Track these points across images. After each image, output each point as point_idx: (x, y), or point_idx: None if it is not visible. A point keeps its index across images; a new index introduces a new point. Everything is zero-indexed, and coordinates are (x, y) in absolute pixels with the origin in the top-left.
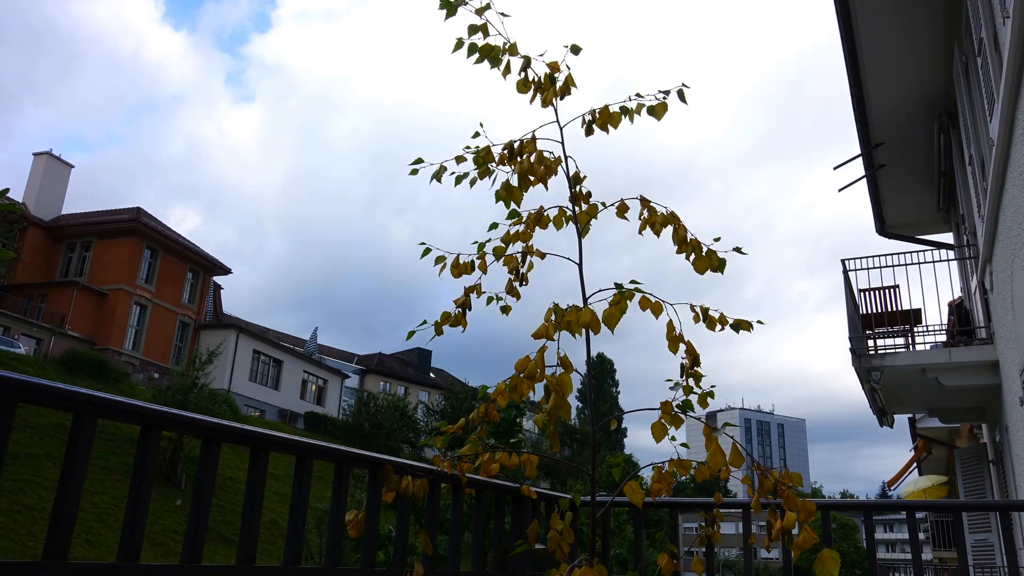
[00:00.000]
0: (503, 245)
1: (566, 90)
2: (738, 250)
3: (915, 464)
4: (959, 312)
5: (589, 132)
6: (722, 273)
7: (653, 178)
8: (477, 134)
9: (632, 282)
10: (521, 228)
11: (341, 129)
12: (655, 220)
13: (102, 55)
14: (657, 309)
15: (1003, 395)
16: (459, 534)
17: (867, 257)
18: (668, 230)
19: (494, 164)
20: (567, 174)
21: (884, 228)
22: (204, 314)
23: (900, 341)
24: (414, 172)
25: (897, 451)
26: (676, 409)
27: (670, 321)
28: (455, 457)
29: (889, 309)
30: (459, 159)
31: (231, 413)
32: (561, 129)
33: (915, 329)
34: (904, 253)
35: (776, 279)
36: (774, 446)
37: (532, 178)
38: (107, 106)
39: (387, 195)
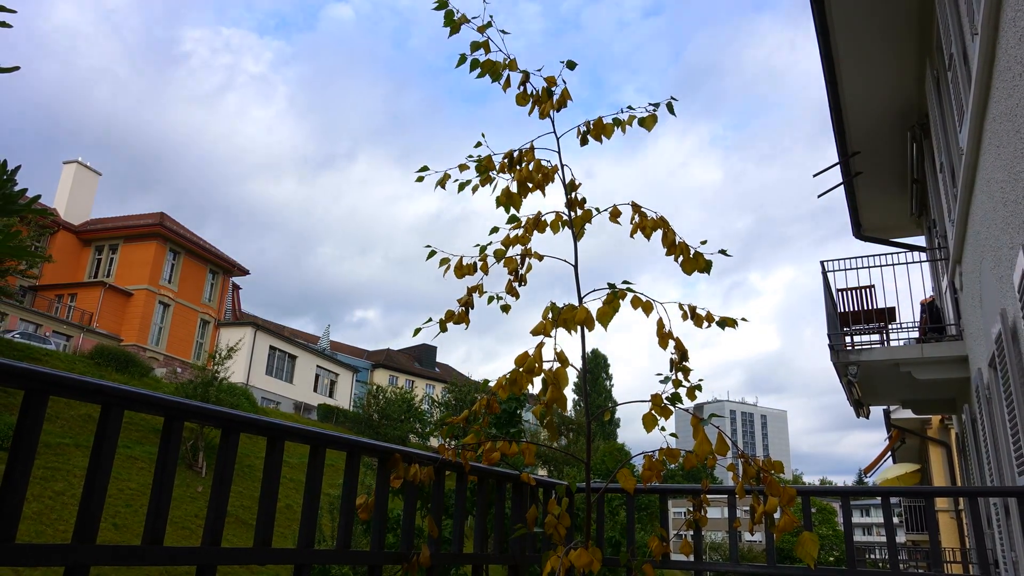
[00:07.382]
0: (503, 248)
1: (562, 103)
2: (723, 252)
3: (890, 453)
4: (931, 310)
5: (584, 142)
6: (708, 274)
7: None
8: (479, 143)
9: (624, 282)
10: (520, 232)
11: None
12: (646, 224)
13: None
14: (648, 308)
15: (972, 388)
16: (463, 518)
17: (845, 259)
18: (658, 233)
19: (495, 172)
20: (563, 181)
21: (860, 231)
22: (223, 312)
23: (875, 338)
24: (420, 179)
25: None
26: (666, 401)
27: (660, 319)
28: (459, 446)
29: (865, 307)
30: (462, 167)
31: (249, 405)
32: (558, 139)
33: (890, 326)
34: (879, 255)
35: None
36: (757, 435)
37: (531, 185)
38: None
39: None
